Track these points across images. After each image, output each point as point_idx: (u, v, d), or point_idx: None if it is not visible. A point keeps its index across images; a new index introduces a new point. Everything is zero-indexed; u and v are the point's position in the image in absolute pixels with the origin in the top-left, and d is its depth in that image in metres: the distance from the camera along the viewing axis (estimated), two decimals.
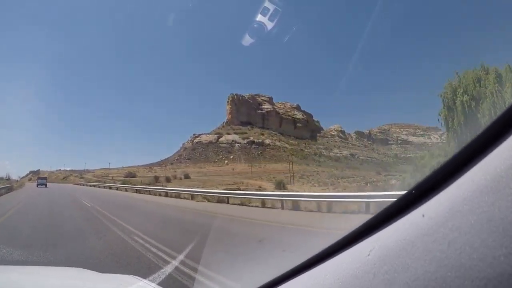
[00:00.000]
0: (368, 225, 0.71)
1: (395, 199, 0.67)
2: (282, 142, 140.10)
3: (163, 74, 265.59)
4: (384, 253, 0.60)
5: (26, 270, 2.32)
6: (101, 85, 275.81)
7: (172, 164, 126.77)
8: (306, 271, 0.82)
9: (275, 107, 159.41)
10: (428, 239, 0.54)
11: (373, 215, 0.71)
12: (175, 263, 4.38)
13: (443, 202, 0.56)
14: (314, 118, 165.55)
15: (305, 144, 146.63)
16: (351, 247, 0.72)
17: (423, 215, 0.58)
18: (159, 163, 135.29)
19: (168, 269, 4.02)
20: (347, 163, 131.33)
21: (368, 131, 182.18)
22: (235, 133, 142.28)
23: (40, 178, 54.63)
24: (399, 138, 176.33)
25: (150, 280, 2.12)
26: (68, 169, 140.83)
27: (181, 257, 4.63)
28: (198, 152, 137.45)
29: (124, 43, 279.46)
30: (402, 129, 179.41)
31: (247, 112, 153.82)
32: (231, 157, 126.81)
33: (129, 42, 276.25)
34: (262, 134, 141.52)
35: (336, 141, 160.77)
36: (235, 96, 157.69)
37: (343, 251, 0.74)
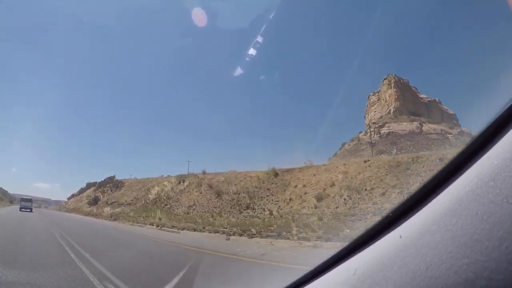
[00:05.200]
0: (353, 244, 0.79)
1: (376, 222, 0.76)
2: None
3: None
4: (368, 269, 0.69)
5: None
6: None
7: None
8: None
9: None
10: (404, 254, 0.63)
11: (358, 236, 0.79)
12: None
13: (416, 223, 0.66)
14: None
15: None
16: (338, 265, 0.80)
17: (400, 236, 0.66)
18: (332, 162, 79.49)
19: None
20: None
21: None
22: (429, 123, 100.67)
23: (24, 200, 40.89)
24: None
25: None
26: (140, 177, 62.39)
27: None
28: (407, 144, 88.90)
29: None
30: None
31: (412, 99, 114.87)
32: None
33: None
34: (452, 128, 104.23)
35: None
36: (396, 78, 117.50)
37: (332, 270, 0.82)
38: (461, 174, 0.64)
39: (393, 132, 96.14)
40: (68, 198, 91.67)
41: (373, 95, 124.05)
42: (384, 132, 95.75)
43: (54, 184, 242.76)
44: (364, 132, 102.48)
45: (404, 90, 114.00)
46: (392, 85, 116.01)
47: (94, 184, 73.03)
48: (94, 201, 50.95)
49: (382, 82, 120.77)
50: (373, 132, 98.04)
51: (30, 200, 41.57)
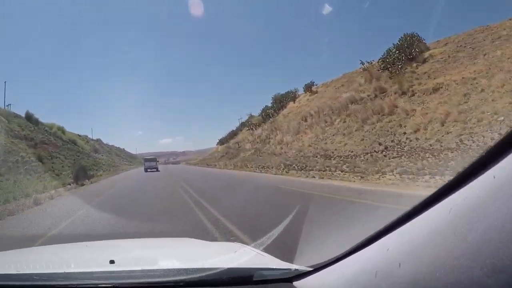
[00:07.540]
0: (449, 185, 0.80)
1: (471, 162, 0.75)
2: None
3: None
4: (461, 211, 0.70)
5: (139, 243, 2.50)
6: None
7: None
8: (398, 227, 0.93)
9: None
10: (497, 195, 0.62)
11: (452, 178, 0.80)
12: None
13: (510, 163, 0.63)
14: None
15: None
16: (435, 204, 0.82)
17: (494, 177, 0.65)
18: None
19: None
20: None
21: None
22: None
23: (148, 160, 36.98)
24: None
25: (254, 246, 2.24)
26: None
27: None
28: None
29: None
30: None
31: None
32: None
33: None
34: None
35: None
36: None
37: (428, 209, 0.83)
38: None
39: None
40: (221, 143, 55.99)
41: None
42: None
43: (176, 137, 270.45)
44: None
45: None
46: None
47: (270, 108, 36.22)
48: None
49: None
50: None
51: (154, 159, 36.75)
